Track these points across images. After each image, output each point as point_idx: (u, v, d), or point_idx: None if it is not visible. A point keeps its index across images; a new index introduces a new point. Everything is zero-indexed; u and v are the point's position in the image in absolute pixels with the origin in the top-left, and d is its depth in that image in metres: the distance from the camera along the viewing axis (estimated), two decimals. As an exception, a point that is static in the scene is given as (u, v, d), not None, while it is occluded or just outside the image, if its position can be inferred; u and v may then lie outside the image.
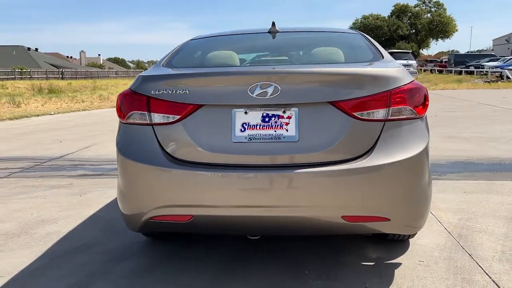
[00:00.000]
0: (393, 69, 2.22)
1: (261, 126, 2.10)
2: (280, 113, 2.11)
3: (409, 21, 64.81)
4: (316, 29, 3.35)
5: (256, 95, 2.07)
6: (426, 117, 2.31)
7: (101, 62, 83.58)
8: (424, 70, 45.11)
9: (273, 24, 3.02)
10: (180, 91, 2.16)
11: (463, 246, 2.80)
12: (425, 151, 2.18)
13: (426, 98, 2.24)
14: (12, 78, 34.36)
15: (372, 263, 2.59)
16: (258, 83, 2.08)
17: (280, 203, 2.05)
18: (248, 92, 2.07)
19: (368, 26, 61.41)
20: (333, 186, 2.04)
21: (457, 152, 5.80)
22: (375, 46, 2.77)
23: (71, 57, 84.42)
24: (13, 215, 3.56)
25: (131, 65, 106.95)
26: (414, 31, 65.36)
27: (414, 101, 2.17)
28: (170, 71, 2.42)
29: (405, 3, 64.50)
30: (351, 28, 62.27)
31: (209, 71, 2.29)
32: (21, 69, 37.44)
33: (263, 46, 3.12)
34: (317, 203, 2.05)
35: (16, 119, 11.12)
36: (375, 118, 2.10)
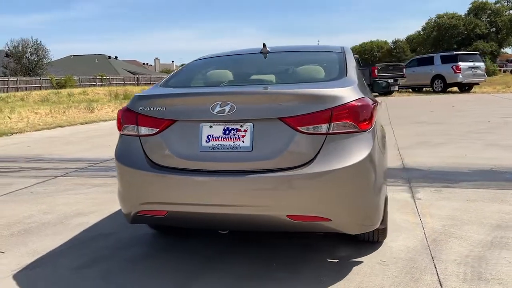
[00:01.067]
0: (339, 89, 2.52)
1: (222, 138, 2.51)
2: (238, 127, 2.50)
3: (488, 19, 61.02)
4: (301, 48, 3.69)
5: (216, 112, 2.49)
6: (373, 130, 2.57)
7: (174, 68, 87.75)
8: (504, 71, 42.33)
9: (264, 45, 3.40)
10: (159, 109, 2.63)
11: (432, 249, 2.99)
12: (366, 160, 2.45)
13: (371, 114, 2.52)
14: (94, 85, 37.37)
15: (337, 260, 2.88)
16: (218, 102, 2.49)
17: (236, 203, 2.45)
18: (210, 110, 2.50)
19: (442, 26, 58.74)
20: (278, 189, 2.40)
21: (488, 160, 5.75)
22: (346, 64, 3.04)
23: (147, 64, 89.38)
24: (56, 208, 4.25)
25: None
26: (494, 29, 61.43)
27: (357, 117, 2.46)
28: (156, 91, 2.91)
29: (484, 0, 60.89)
30: (423, 28, 59.78)
31: (181, 92, 2.76)
32: (101, 76, 40.58)
33: (249, 67, 3.51)
34: (266, 203, 2.42)
35: (86, 123, 12.39)
36: (317, 132, 2.42)
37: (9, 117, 14.02)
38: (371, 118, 2.53)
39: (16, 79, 33.99)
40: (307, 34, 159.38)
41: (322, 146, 2.42)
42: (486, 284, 2.49)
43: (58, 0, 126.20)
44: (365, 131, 2.50)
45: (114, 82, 40.84)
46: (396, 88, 20.04)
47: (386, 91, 5.08)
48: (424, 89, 22.62)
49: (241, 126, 2.50)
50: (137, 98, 2.78)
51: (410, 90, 22.92)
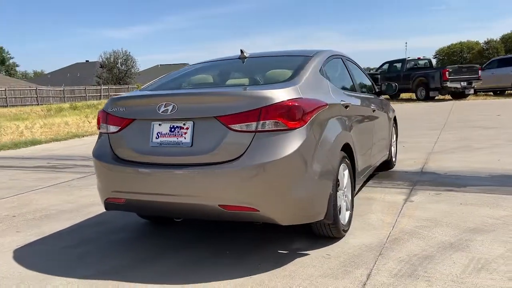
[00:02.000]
0: (271, 90, 2.72)
1: (168, 135, 2.83)
2: (181, 125, 2.80)
3: None
4: (276, 54, 3.89)
5: (161, 112, 2.82)
6: (307, 128, 2.72)
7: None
8: None
9: (241, 51, 3.67)
10: (122, 109, 3.02)
11: (385, 247, 3.03)
12: (292, 157, 2.62)
13: (303, 114, 2.68)
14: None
15: (286, 252, 3.05)
16: (163, 103, 2.82)
17: (177, 193, 2.75)
18: (157, 110, 2.83)
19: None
20: (211, 181, 2.66)
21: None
22: (303, 69, 3.19)
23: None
24: (78, 199, 4.85)
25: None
26: None
27: (285, 116, 2.64)
28: (125, 94, 3.30)
29: None
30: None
31: (136, 95, 3.13)
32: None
33: (225, 72, 3.79)
34: (201, 194, 2.69)
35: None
36: (247, 130, 2.64)
37: (88, 122, 15.59)
38: (302, 117, 2.68)
39: (107, 87, 37.33)
40: (394, 37, 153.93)
41: (251, 143, 2.63)
42: (412, 281, 2.52)
43: (149, 14, 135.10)
44: (295, 129, 2.66)
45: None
46: (471, 91, 18.87)
47: (393, 93, 5.08)
48: (506, 92, 20.98)
49: (184, 124, 2.79)
50: (109, 100, 3.20)
51: (491, 93, 21.40)
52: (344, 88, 3.87)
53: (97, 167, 3.15)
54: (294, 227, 3.08)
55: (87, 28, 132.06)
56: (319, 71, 3.34)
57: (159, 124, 2.88)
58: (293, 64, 3.33)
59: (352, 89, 4.15)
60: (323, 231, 3.10)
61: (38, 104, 33.06)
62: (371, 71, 24.40)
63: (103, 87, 36.76)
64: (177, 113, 2.79)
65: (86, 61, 60.37)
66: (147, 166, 2.86)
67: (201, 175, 2.68)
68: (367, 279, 2.58)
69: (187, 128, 2.79)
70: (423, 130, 9.45)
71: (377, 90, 5.04)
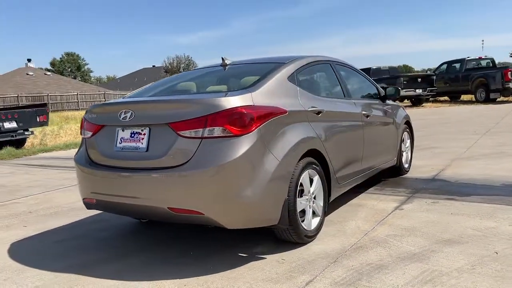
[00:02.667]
0: (218, 98, 2.81)
1: (129, 140, 3.02)
2: (139, 131, 2.98)
3: None
4: (256, 61, 3.95)
5: (121, 119, 3.01)
6: (255, 135, 2.77)
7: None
8: None
9: (222, 59, 3.80)
10: (95, 116, 3.26)
11: (344, 255, 3.00)
12: (237, 162, 2.69)
13: (251, 121, 2.74)
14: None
15: (245, 255, 3.12)
16: (123, 111, 3.01)
17: (135, 195, 2.93)
18: (118, 117, 3.03)
19: None
20: (161, 185, 2.81)
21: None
22: (267, 76, 3.24)
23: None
24: (91, 197, 5.22)
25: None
26: None
27: (230, 123, 2.72)
28: (97, 103, 3.55)
29: None
30: None
31: (104, 103, 3.34)
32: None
33: (203, 79, 3.92)
34: (152, 197, 2.84)
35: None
36: (194, 136, 2.75)
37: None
38: (249, 124, 2.75)
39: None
40: (467, 34, 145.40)
41: (197, 149, 2.74)
42: (350, 290, 2.50)
43: (215, 20, 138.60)
44: (241, 136, 2.74)
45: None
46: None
47: (396, 97, 4.96)
48: None
49: (142, 130, 2.97)
50: (88, 108, 3.46)
51: None
52: (325, 95, 3.85)
53: (76, 169, 3.41)
54: (263, 230, 3.16)
55: (157, 35, 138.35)
56: (288, 78, 3.37)
57: (122, 130, 3.08)
58: (262, 71, 3.39)
59: (340, 95, 4.11)
60: (284, 236, 3.13)
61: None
62: (428, 72, 23.39)
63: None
64: (135, 120, 2.97)
65: (153, 66, 63.45)
66: (111, 169, 3.07)
67: (153, 179, 2.84)
68: (306, 285, 2.59)
69: (144, 134, 2.96)
70: (465, 135, 8.96)
71: (382, 95, 4.93)
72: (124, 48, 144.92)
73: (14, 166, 8.69)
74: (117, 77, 76.89)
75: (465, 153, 6.74)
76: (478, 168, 5.60)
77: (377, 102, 4.82)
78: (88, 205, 3.35)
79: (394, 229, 3.47)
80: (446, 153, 6.91)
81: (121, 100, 3.45)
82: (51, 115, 14.84)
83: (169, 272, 2.90)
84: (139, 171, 2.92)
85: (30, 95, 34.65)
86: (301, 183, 3.16)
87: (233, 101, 2.81)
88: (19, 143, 11.41)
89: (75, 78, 66.82)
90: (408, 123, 5.56)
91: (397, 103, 5.87)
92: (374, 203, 4.25)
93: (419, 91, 18.19)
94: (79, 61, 71.91)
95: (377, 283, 2.55)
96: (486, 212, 3.75)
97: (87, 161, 3.27)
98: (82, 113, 28.73)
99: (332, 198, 3.66)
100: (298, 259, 2.98)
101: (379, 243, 3.19)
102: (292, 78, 3.41)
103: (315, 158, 3.34)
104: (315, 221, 3.33)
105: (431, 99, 20.35)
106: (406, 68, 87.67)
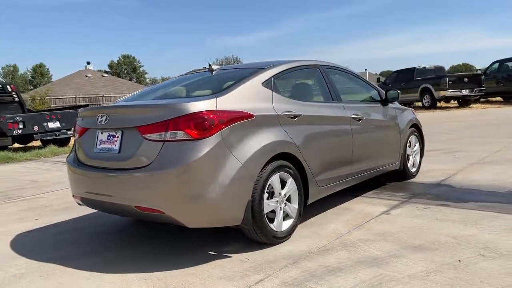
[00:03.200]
0: (182, 103, 2.97)
1: (106, 142, 3.25)
2: (114, 133, 3.20)
3: None
4: (240, 66, 4.06)
5: (98, 122, 3.25)
6: (216, 138, 2.91)
7: (367, 76, 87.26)
8: None
9: (209, 65, 3.96)
10: (81, 120, 3.53)
11: (306, 257, 3.06)
12: (196, 164, 2.84)
13: (211, 125, 2.88)
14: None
15: (213, 253, 3.25)
16: (99, 114, 3.24)
17: (109, 193, 3.16)
18: (96, 120, 3.27)
19: None
20: (128, 184, 3.01)
21: None
22: (239, 82, 3.36)
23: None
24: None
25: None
26: None
27: (190, 127, 2.87)
28: (83, 108, 3.80)
29: None
30: None
31: (88, 108, 3.58)
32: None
33: (189, 84, 4.09)
34: (121, 195, 3.06)
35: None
36: (157, 139, 2.93)
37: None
38: (210, 128, 2.89)
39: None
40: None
41: (160, 151, 2.92)
42: (294, 290, 2.57)
43: (266, 21, 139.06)
44: (201, 139, 2.88)
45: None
46: None
47: (397, 100, 4.91)
48: None
49: (116, 133, 3.19)
50: (79, 112, 3.75)
51: None
52: (307, 99, 3.91)
53: (67, 169, 3.71)
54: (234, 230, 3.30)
55: (214, 36, 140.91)
56: (263, 83, 3.46)
57: (102, 133, 3.31)
58: (238, 77, 3.50)
59: (326, 99, 4.14)
60: (251, 236, 3.23)
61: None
62: (478, 71, 22.28)
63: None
64: (109, 123, 3.20)
65: (204, 67, 64.73)
66: (92, 169, 3.31)
67: (122, 179, 3.05)
68: (255, 284, 2.69)
69: (117, 137, 3.18)
70: (498, 138, 8.54)
71: (382, 98, 4.88)
72: (184, 49, 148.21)
73: (53, 164, 9.35)
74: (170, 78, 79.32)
75: (487, 158, 6.47)
76: (493, 173, 5.38)
77: (376, 105, 4.78)
78: (78, 202, 3.63)
79: (369, 233, 3.46)
80: (467, 157, 6.66)
81: (99, 105, 3.71)
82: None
83: (140, 267, 3.09)
84: (112, 171, 3.14)
85: (87, 96, 36.64)
86: (270, 185, 3.24)
87: (195, 106, 2.96)
88: (62, 142, 12.22)
89: (130, 79, 69.82)
90: (416, 126, 5.45)
91: (405, 106, 5.77)
92: (363, 207, 4.23)
93: (465, 91, 17.43)
94: (134, 63, 74.97)
95: (323, 285, 2.60)
96: (472, 219, 3.64)
97: (75, 161, 3.55)
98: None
99: (311, 201, 3.70)
100: (261, 259, 3.07)
101: (346, 246, 3.21)
102: (267, 83, 3.50)
103: (289, 161, 3.41)
104: (287, 223, 3.40)
105: (481, 99, 19.42)
106: (467, 67, 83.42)
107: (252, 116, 3.16)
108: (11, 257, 3.46)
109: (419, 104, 19.25)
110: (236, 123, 3.05)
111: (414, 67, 19.68)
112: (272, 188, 3.27)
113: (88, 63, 52.35)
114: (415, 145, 5.47)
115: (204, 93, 3.56)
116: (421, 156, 5.72)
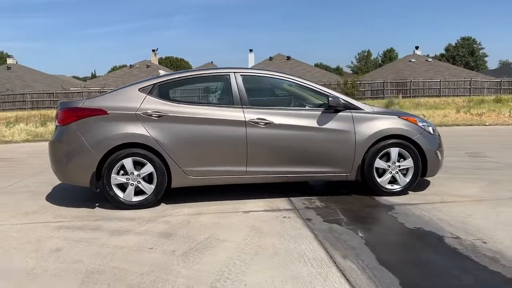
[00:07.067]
0: (68, 102, 4.54)
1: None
2: None
3: None
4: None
5: None
6: (70, 126, 4.34)
7: None
8: None
9: (159, 72, 5.23)
10: None
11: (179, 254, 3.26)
12: (56, 141, 4.48)
13: (64, 117, 4.39)
14: None
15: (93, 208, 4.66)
16: None
17: None
18: None
19: None
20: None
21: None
22: (122, 87, 4.61)
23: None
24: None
25: None
26: None
27: (57, 117, 4.52)
28: None
29: None
30: None
31: None
32: None
33: None
34: None
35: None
36: (58, 124, 4.56)
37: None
38: (67, 119, 4.37)
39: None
40: None
41: (55, 131, 4.63)
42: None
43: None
44: (62, 126, 4.44)
45: None
46: None
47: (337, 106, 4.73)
48: None
49: None
50: None
51: None
52: (190, 102, 4.57)
53: None
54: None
55: None
56: (140, 89, 4.48)
57: None
58: (136, 83, 4.67)
59: (226, 103, 4.64)
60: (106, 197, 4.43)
61: (469, 95, 32.35)
62: None
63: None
64: None
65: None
66: None
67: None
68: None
69: None
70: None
71: (331, 104, 4.55)
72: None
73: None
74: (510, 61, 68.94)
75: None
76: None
77: (314, 112, 4.65)
78: None
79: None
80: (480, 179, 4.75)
81: None
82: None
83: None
84: None
85: (395, 81, 37.26)
86: (123, 165, 4.36)
87: (68, 104, 4.50)
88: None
89: (467, 64, 64.65)
90: (405, 138, 4.68)
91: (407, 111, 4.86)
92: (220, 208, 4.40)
93: None
94: (474, 45, 69.18)
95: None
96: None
97: None
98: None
99: (178, 185, 4.46)
100: (95, 214, 4.30)
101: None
102: (145, 89, 4.47)
103: (149, 150, 4.33)
104: (139, 197, 4.40)
105: None
106: None
107: (106, 112, 4.33)
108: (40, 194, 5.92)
109: None
110: (89, 117, 4.31)
111: None
112: (125, 167, 4.37)
113: (417, 47, 52.23)
114: (399, 160, 4.69)
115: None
116: (423, 174, 4.76)
